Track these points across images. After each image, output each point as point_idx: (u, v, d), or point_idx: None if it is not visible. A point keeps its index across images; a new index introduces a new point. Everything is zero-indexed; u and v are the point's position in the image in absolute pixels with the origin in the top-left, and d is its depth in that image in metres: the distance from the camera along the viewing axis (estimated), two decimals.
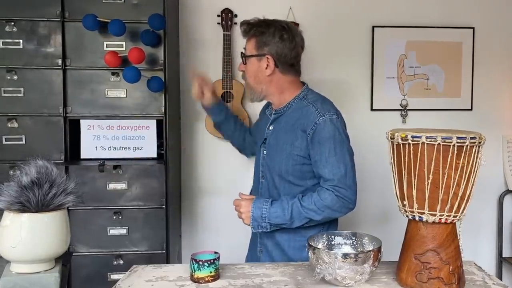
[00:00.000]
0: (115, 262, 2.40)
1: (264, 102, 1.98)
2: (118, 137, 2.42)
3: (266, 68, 1.71)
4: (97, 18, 2.26)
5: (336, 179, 1.60)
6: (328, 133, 1.61)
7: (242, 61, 1.79)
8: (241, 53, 1.79)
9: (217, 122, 2.14)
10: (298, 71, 1.77)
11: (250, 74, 1.75)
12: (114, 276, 2.38)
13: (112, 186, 2.38)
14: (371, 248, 1.35)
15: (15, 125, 2.34)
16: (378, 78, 2.94)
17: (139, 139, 2.43)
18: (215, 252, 1.39)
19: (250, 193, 1.92)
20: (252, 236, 1.90)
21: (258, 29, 1.72)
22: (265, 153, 1.76)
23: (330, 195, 1.60)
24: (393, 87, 2.95)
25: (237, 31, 2.84)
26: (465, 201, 1.26)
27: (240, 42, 2.83)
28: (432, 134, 1.22)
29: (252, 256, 1.84)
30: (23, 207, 1.19)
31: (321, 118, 1.63)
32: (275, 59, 1.69)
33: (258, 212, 1.63)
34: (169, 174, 2.44)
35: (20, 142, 2.35)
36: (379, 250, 1.30)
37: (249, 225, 1.66)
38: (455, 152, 1.21)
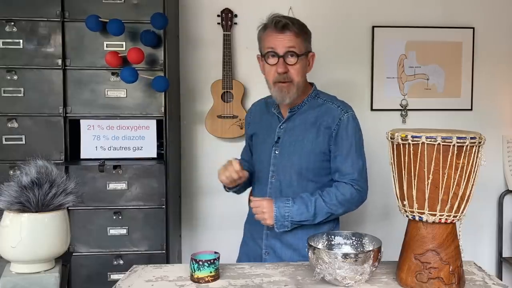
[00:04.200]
0: (115, 262, 2.40)
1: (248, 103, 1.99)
2: (118, 137, 2.42)
3: (309, 65, 1.73)
4: (99, 19, 2.26)
5: (356, 173, 1.68)
6: (351, 130, 1.69)
7: (285, 59, 1.64)
8: (291, 50, 1.63)
9: (237, 191, 1.86)
10: None
11: (301, 73, 1.68)
12: (114, 276, 2.38)
13: (112, 186, 2.38)
14: (371, 248, 1.35)
15: (15, 125, 2.35)
16: (378, 78, 2.94)
17: (139, 139, 2.43)
18: (215, 252, 1.38)
19: (250, 196, 1.89)
20: (247, 238, 1.84)
21: (304, 27, 1.70)
22: (277, 152, 1.73)
23: (350, 189, 1.67)
24: (393, 87, 2.96)
25: (237, 31, 2.84)
26: (465, 201, 1.26)
27: (240, 42, 2.84)
28: (432, 134, 1.22)
29: (250, 259, 1.78)
30: (23, 207, 1.19)
31: (345, 115, 1.69)
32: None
33: (281, 211, 1.61)
34: (169, 174, 2.44)
35: (20, 142, 2.35)
36: (379, 250, 1.30)
37: (272, 225, 1.63)
38: (455, 152, 1.21)
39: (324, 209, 1.63)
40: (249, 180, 1.81)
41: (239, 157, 1.94)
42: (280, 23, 1.63)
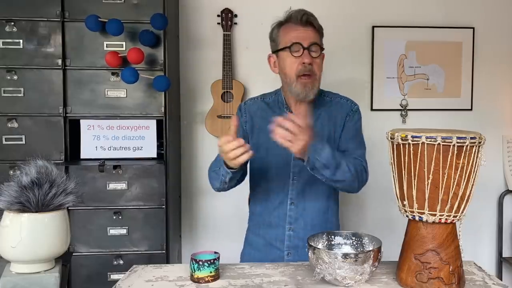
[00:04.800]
0: (115, 262, 2.40)
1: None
2: (118, 137, 2.42)
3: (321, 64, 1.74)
4: (99, 19, 2.26)
5: (362, 153, 1.77)
6: (359, 120, 1.79)
7: (309, 52, 1.63)
8: (316, 43, 1.65)
9: (236, 176, 1.66)
10: None
11: (321, 68, 1.70)
12: (114, 276, 2.38)
13: (112, 186, 2.38)
14: (371, 248, 1.35)
15: (15, 125, 2.35)
16: (378, 78, 2.94)
17: (139, 139, 2.43)
18: (215, 252, 1.38)
19: (250, 202, 1.85)
20: (260, 245, 1.77)
21: (322, 28, 1.73)
22: None
23: (360, 163, 1.70)
24: (393, 87, 2.96)
25: (237, 31, 2.84)
26: (465, 201, 1.26)
27: (240, 42, 2.84)
28: (432, 134, 1.22)
29: (263, 260, 1.68)
30: (23, 207, 1.19)
31: (354, 107, 1.79)
32: None
33: (315, 148, 1.50)
34: (169, 174, 2.44)
35: (20, 142, 2.35)
36: (379, 250, 1.30)
37: (300, 157, 1.50)
38: (455, 152, 1.21)
39: (344, 167, 1.56)
40: (243, 172, 1.69)
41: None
42: (305, 17, 1.65)
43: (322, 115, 1.75)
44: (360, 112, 1.80)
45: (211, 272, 1.34)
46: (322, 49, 1.69)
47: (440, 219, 1.25)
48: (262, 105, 1.81)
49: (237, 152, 1.47)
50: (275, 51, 1.72)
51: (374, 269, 1.30)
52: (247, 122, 1.79)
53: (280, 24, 1.70)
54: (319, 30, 1.70)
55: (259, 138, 1.75)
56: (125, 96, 2.39)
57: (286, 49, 1.65)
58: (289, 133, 1.43)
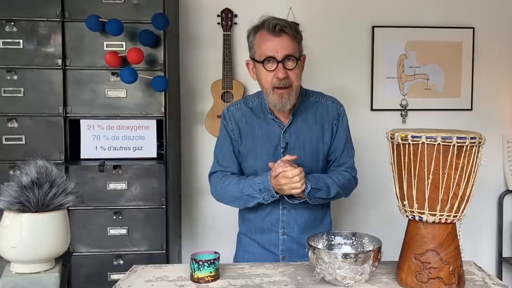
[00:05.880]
0: (115, 262, 2.40)
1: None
2: (118, 137, 2.42)
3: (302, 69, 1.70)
4: (99, 19, 2.26)
5: (352, 161, 1.77)
6: (345, 122, 1.77)
7: (284, 65, 1.57)
8: (290, 55, 1.58)
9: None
10: None
11: (299, 76, 1.64)
12: (114, 276, 2.39)
13: (112, 186, 2.39)
14: (371, 248, 1.35)
15: (15, 125, 2.35)
16: (378, 78, 2.94)
17: (139, 139, 2.43)
18: (215, 252, 1.39)
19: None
20: (252, 248, 1.77)
21: (298, 28, 1.65)
22: None
23: (348, 175, 1.74)
24: (393, 87, 2.96)
25: (237, 31, 2.84)
26: (465, 201, 1.26)
27: (240, 42, 2.84)
28: (432, 134, 1.22)
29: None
30: (23, 207, 1.19)
31: (341, 108, 1.77)
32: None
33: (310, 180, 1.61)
34: (169, 174, 2.44)
35: (20, 142, 2.35)
36: (379, 250, 1.30)
37: (300, 194, 1.59)
38: (455, 152, 1.21)
39: (334, 184, 1.67)
40: None
41: (218, 169, 1.80)
42: (278, 27, 1.56)
43: (309, 117, 1.72)
44: (345, 111, 1.77)
45: (211, 272, 1.34)
46: (298, 59, 1.61)
47: (440, 219, 1.25)
48: (246, 110, 1.76)
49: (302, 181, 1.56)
50: (252, 59, 1.68)
51: (374, 269, 1.30)
52: (234, 130, 1.76)
53: (255, 29, 1.64)
54: (296, 37, 1.61)
55: (247, 144, 1.74)
56: (125, 96, 2.39)
57: (261, 63, 1.60)
58: (296, 181, 1.53)
